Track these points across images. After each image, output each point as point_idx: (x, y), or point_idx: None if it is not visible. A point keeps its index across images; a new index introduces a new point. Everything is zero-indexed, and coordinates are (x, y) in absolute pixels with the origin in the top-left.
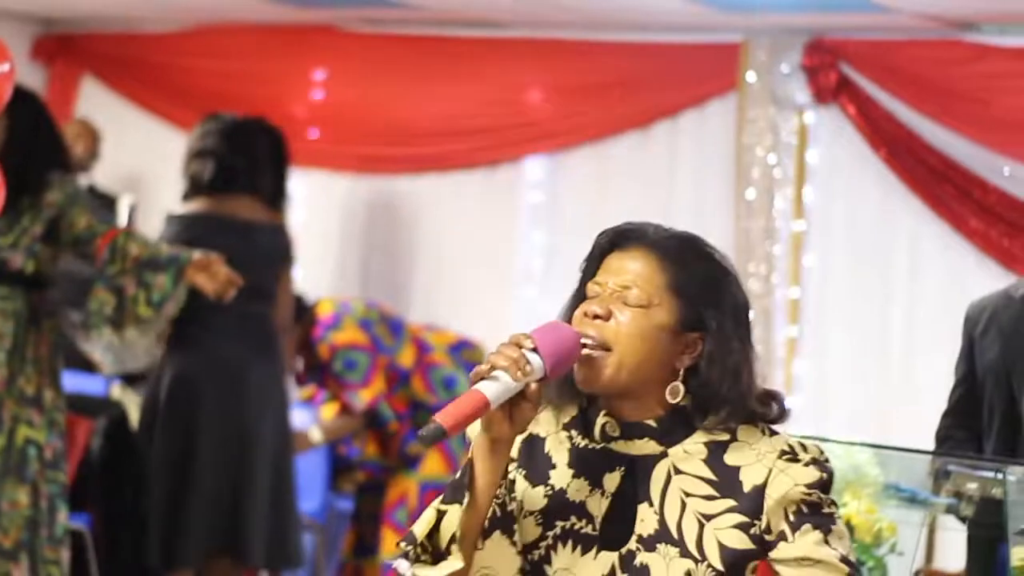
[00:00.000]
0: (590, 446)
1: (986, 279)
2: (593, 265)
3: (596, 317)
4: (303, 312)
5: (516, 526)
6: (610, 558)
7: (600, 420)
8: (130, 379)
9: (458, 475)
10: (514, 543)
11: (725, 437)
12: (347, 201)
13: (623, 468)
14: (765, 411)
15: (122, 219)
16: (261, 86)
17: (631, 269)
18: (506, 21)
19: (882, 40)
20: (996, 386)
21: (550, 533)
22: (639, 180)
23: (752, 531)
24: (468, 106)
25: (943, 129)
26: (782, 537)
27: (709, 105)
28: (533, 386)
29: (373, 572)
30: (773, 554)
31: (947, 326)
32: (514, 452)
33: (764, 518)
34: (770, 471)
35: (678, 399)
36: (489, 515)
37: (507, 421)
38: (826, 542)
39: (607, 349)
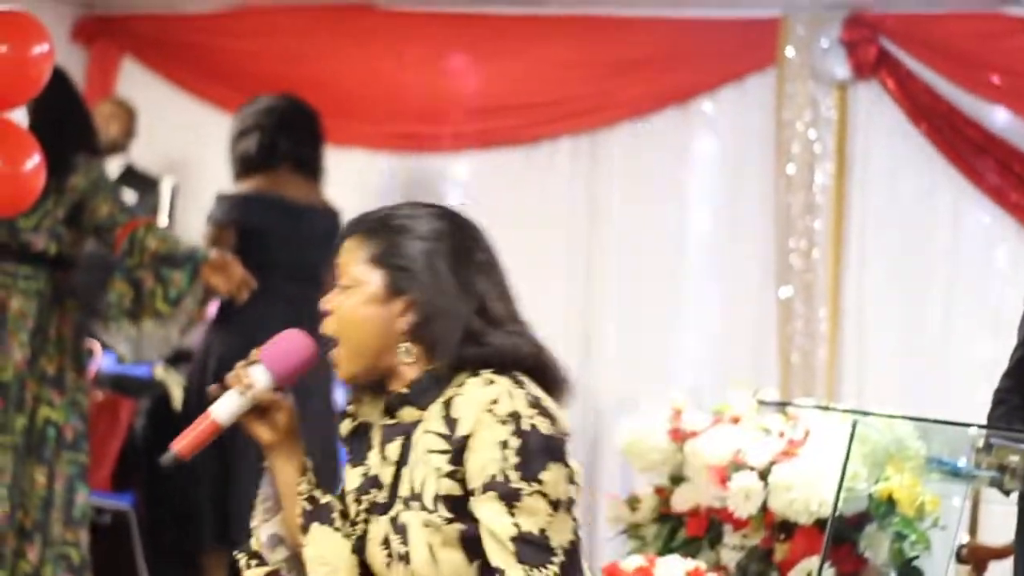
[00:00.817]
0: (389, 422)
1: None
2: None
3: (326, 315)
4: None
5: (335, 515)
6: (384, 522)
7: (381, 400)
8: (174, 359)
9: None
10: (337, 529)
11: (454, 391)
12: (385, 180)
13: (402, 437)
14: (497, 352)
15: (164, 201)
16: (301, 66)
17: (343, 258)
18: None
19: (922, 14)
20: None
21: (361, 509)
22: (678, 157)
23: (458, 477)
24: (506, 84)
25: (984, 102)
26: (472, 493)
27: (748, 80)
28: (268, 395)
29: None
30: (471, 504)
31: (988, 299)
32: (346, 448)
33: (464, 466)
34: (477, 422)
35: (414, 360)
36: (299, 511)
37: (266, 429)
38: (510, 514)
39: (335, 344)
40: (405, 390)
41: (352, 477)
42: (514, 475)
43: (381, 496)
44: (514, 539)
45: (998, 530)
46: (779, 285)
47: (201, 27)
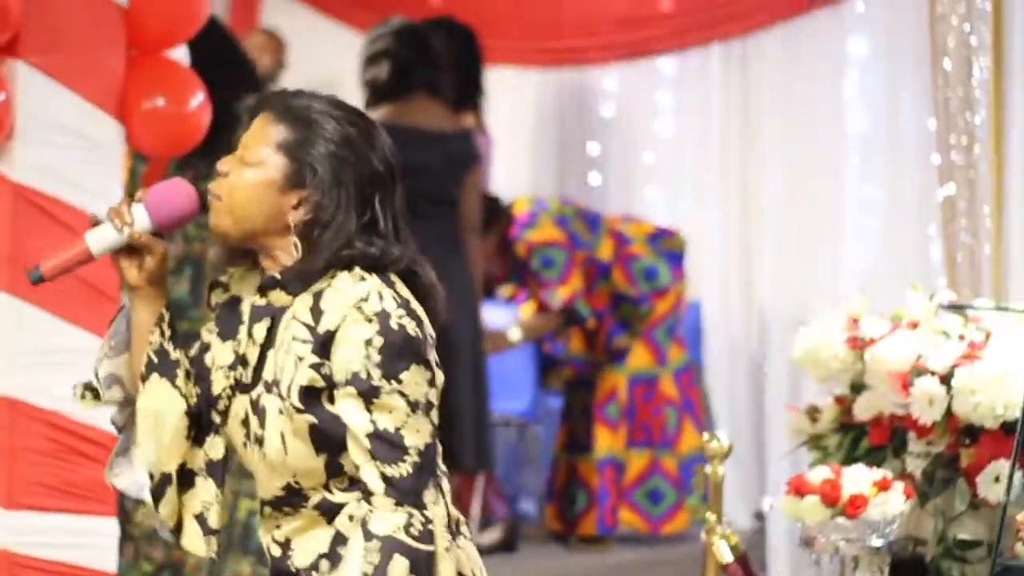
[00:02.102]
0: (259, 301)
1: None
2: (243, 130)
3: (219, 173)
4: (499, 213)
5: (186, 372)
6: (245, 401)
7: (255, 278)
8: None
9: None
10: (176, 386)
11: (326, 284)
12: (538, 97)
13: (269, 319)
14: (368, 255)
15: None
16: None
17: (252, 131)
18: None
19: None
20: None
21: (228, 384)
22: (831, 58)
23: (323, 371)
24: None
25: None
26: (334, 387)
27: None
28: (143, 237)
29: (588, 468)
30: (327, 400)
31: None
32: (213, 315)
33: (327, 361)
34: (344, 318)
35: (299, 254)
36: (144, 361)
37: (135, 269)
38: (367, 410)
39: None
40: (277, 275)
41: (223, 351)
42: (376, 372)
43: (245, 375)
44: (369, 435)
45: None
46: (942, 183)
47: None
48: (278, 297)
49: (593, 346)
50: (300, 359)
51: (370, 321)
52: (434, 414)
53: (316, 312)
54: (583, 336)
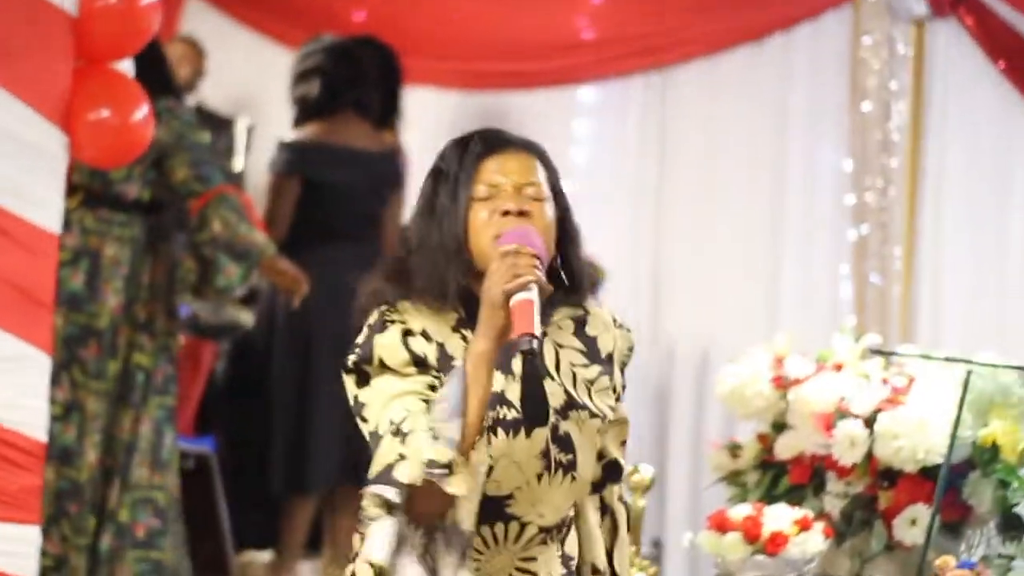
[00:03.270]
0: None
1: None
2: (469, 171)
3: (521, 214)
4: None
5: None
6: (542, 433)
7: None
8: (246, 301)
9: (451, 399)
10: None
11: (580, 312)
12: (456, 119)
13: (553, 345)
14: (593, 285)
15: (239, 142)
16: (367, 4)
17: (523, 168)
18: None
19: None
20: None
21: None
22: (751, 95)
23: (614, 391)
24: (577, 20)
25: None
26: (618, 398)
27: (824, 17)
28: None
29: None
30: (614, 413)
31: None
32: (432, 360)
33: (615, 378)
34: (614, 339)
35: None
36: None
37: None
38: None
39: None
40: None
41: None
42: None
43: (511, 412)
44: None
45: None
46: (855, 223)
47: None
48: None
49: None
50: (591, 382)
51: (628, 332)
52: None
53: (586, 339)
54: None
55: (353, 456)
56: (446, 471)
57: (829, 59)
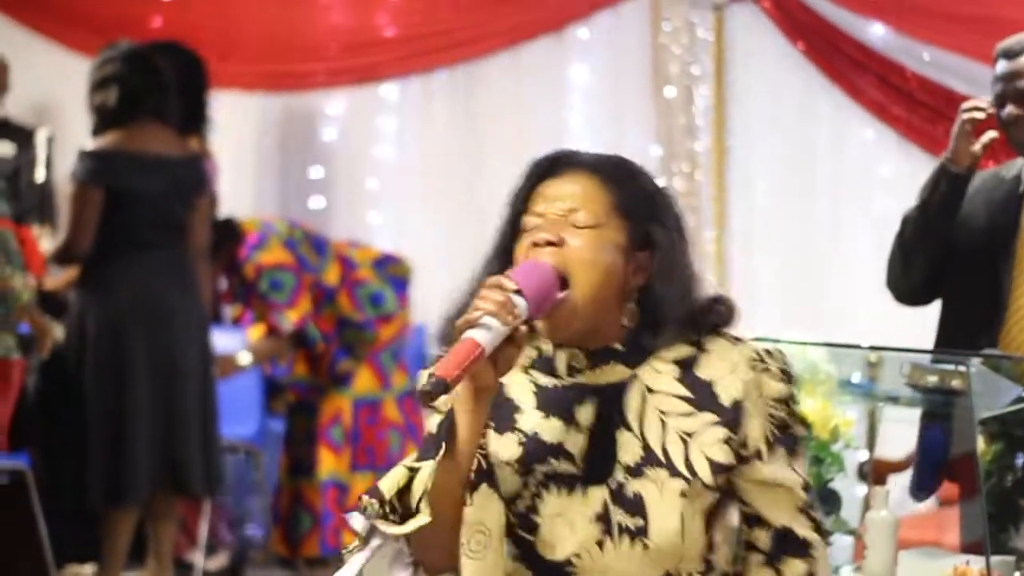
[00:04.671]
0: (556, 384)
1: (910, 166)
2: (523, 195)
3: (549, 244)
4: (232, 232)
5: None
6: (600, 493)
7: (563, 354)
8: (56, 313)
9: (434, 430)
10: (502, 497)
11: (692, 351)
12: (261, 122)
13: (596, 399)
14: (718, 318)
15: (40, 152)
16: (164, 7)
17: (572, 192)
18: None
19: None
20: (977, 260)
21: (531, 480)
22: (556, 85)
23: (733, 444)
24: (378, 17)
25: (860, 18)
26: (758, 455)
27: (623, 6)
28: (521, 329)
29: (312, 492)
30: (746, 470)
31: (872, 214)
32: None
33: (742, 431)
34: (745, 383)
35: (634, 322)
36: (475, 467)
37: (492, 367)
38: (790, 465)
39: (565, 286)
40: (618, 346)
41: (505, 446)
42: (797, 427)
43: (570, 467)
44: (804, 487)
45: (895, 444)
46: None
47: None
48: (607, 373)
49: (317, 370)
50: (690, 435)
51: (779, 380)
52: None
53: (695, 384)
54: (307, 360)
55: (169, 463)
56: (381, 509)
57: (631, 46)
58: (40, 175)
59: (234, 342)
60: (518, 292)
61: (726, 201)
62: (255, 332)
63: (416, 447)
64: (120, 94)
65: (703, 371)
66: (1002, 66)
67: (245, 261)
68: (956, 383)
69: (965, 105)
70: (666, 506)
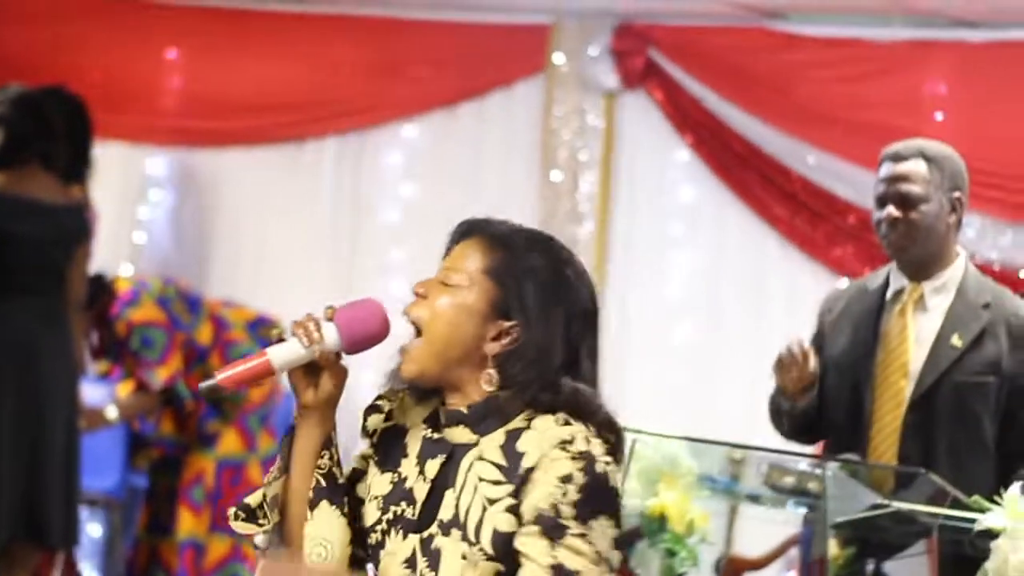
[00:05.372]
0: (432, 435)
1: (790, 266)
2: (443, 255)
3: (418, 296)
4: (102, 288)
5: (346, 500)
6: (413, 541)
7: (442, 411)
8: None
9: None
10: (344, 515)
11: (524, 424)
12: (148, 174)
13: (444, 455)
14: (558, 400)
15: None
16: (62, 55)
17: (460, 254)
18: None
19: (690, 26)
20: (840, 375)
21: (384, 518)
22: (445, 160)
23: (516, 511)
24: (274, 81)
25: (749, 117)
26: (523, 524)
27: (517, 87)
28: (329, 357)
29: (169, 551)
30: (517, 539)
31: (749, 312)
32: (368, 442)
33: (523, 499)
34: (542, 456)
35: (493, 387)
36: (313, 484)
37: (311, 389)
38: (551, 548)
39: (419, 333)
40: (464, 410)
41: (380, 482)
42: (567, 512)
43: (410, 512)
44: (552, 567)
45: (753, 542)
46: None
47: None
48: (460, 434)
49: (184, 428)
50: (491, 502)
51: (574, 459)
52: None
53: (511, 454)
54: (174, 418)
55: (28, 510)
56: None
57: (521, 127)
58: None
59: (101, 395)
60: (330, 320)
61: (604, 288)
62: (124, 388)
63: None
64: (6, 137)
65: (522, 444)
66: (887, 168)
67: (117, 318)
68: (812, 485)
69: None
70: (451, 566)
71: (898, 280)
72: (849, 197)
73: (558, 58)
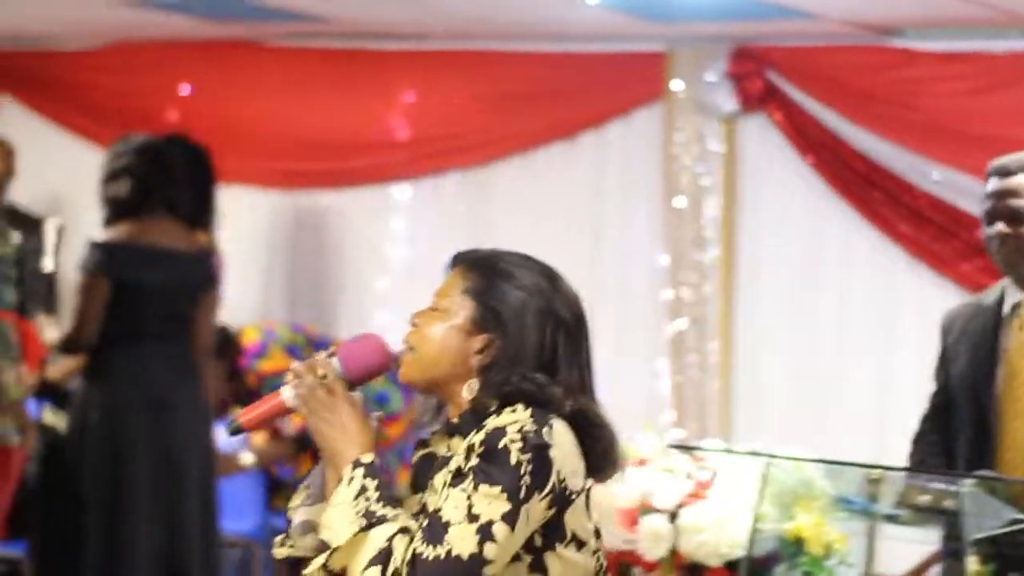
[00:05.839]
0: (445, 454)
1: (917, 283)
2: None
3: (413, 325)
4: (227, 342)
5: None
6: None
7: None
8: (60, 402)
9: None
10: None
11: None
12: (271, 218)
13: (429, 466)
14: (520, 396)
15: (48, 242)
16: (182, 103)
17: (448, 283)
18: (426, 33)
19: (808, 47)
20: (964, 394)
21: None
22: (566, 192)
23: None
24: (393, 119)
25: (870, 135)
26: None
27: (635, 115)
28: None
29: None
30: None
31: (879, 332)
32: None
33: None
34: (476, 432)
35: (472, 394)
36: None
37: None
38: (439, 501)
39: (411, 349)
40: (456, 420)
41: (412, 504)
42: (466, 472)
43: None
44: (434, 511)
45: (893, 563)
46: (671, 318)
47: (80, 64)
48: (456, 444)
49: None
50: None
51: (487, 435)
52: (493, 550)
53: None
54: (314, 460)
55: (168, 558)
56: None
57: (641, 155)
58: (48, 264)
59: (238, 442)
60: (333, 355)
61: (732, 313)
62: (258, 435)
63: None
64: (131, 186)
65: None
66: (994, 183)
67: (247, 370)
68: (949, 503)
69: None
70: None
71: (1014, 295)
72: (975, 211)
73: (676, 85)
